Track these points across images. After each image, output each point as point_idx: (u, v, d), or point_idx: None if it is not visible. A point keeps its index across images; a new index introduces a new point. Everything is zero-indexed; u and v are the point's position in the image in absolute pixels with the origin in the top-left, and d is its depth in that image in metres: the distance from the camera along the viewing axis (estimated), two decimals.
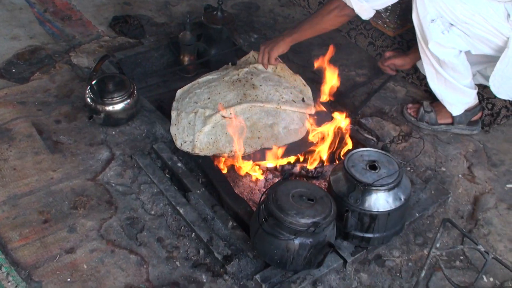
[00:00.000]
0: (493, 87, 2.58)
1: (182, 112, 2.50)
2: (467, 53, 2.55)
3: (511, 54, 2.42)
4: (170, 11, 3.43)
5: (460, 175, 2.59)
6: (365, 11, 2.44)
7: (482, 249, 1.84)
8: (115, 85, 2.54)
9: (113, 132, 2.56)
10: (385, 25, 3.06)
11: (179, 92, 2.64)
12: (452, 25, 2.43)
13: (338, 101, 2.85)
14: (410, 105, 2.86)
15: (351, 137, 2.57)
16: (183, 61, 2.99)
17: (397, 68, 2.87)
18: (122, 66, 2.89)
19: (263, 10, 3.52)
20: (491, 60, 2.60)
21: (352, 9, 2.45)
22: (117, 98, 2.53)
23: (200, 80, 2.66)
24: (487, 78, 2.73)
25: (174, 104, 2.59)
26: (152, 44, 3.08)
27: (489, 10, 2.37)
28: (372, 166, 2.12)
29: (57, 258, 2.05)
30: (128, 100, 2.56)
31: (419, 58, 2.65)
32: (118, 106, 2.54)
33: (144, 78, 2.98)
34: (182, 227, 2.21)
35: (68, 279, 1.99)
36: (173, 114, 2.54)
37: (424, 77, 2.87)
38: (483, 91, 2.80)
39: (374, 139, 2.72)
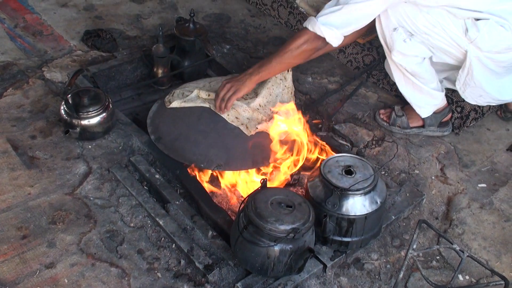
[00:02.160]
0: (461, 92, 2.66)
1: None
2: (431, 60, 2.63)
3: (469, 66, 2.52)
4: (142, 24, 3.44)
5: (433, 177, 2.65)
6: (336, 38, 2.46)
7: (457, 248, 1.89)
8: (90, 99, 2.54)
9: (90, 146, 2.56)
10: None
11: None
12: (412, 35, 2.50)
13: (312, 109, 2.91)
14: (382, 111, 2.91)
15: (326, 143, 2.63)
16: (156, 73, 3.00)
17: None
18: (96, 80, 2.89)
19: (234, 21, 3.55)
20: (454, 68, 2.68)
21: (323, 39, 2.44)
22: (93, 112, 2.53)
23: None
24: (454, 82, 2.81)
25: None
26: (125, 57, 3.09)
27: (449, 23, 2.45)
28: (348, 171, 2.17)
29: (37, 273, 2.04)
30: (104, 114, 2.56)
31: None
32: (94, 120, 2.53)
33: (118, 92, 2.99)
34: (162, 238, 2.22)
35: None
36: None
37: (394, 83, 2.94)
38: (452, 95, 2.87)
39: (349, 144, 2.76)
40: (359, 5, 2.40)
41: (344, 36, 2.48)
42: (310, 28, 2.44)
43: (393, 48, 2.54)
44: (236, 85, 2.51)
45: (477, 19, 2.45)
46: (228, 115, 2.50)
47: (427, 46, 2.54)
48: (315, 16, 2.47)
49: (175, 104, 2.60)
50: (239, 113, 2.52)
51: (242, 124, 2.50)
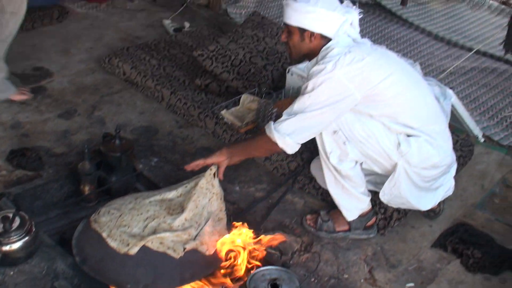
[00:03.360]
0: (384, 200, 2.80)
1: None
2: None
3: (397, 178, 2.67)
4: (69, 140, 3.45)
5: (362, 280, 2.69)
6: (288, 146, 2.55)
7: None
8: (11, 224, 2.49)
9: (12, 273, 2.47)
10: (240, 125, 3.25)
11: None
12: (348, 140, 2.62)
13: (240, 219, 2.93)
14: (308, 216, 2.97)
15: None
16: (83, 190, 2.98)
17: None
18: (21, 201, 2.84)
19: (162, 133, 3.61)
20: (377, 174, 2.81)
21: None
22: (14, 236, 2.47)
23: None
24: (375, 185, 2.93)
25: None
26: (51, 175, 3.07)
27: (383, 136, 2.60)
28: (274, 285, 2.18)
29: None
30: (26, 238, 2.50)
31: None
32: (16, 245, 2.47)
33: (45, 211, 2.94)
34: None
35: None
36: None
37: (320, 187, 3.03)
38: (375, 197, 2.96)
39: (277, 253, 2.78)
40: (310, 114, 2.51)
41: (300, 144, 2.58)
42: (267, 132, 2.56)
43: (331, 150, 2.65)
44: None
45: (409, 136, 2.61)
46: (152, 242, 2.48)
47: (360, 153, 2.65)
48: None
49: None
50: (162, 238, 2.50)
51: (168, 248, 2.48)
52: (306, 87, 2.53)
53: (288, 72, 3.52)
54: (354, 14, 2.66)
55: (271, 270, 2.28)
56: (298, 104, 2.54)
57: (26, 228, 2.52)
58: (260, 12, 5.02)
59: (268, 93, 3.54)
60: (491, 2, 6.14)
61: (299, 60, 2.82)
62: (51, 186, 3.04)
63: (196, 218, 2.62)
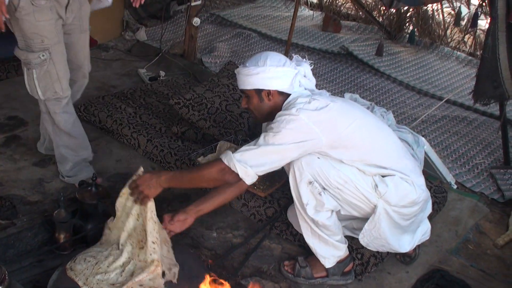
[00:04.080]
0: (363, 243, 2.83)
1: None
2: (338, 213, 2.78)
3: (377, 219, 2.71)
4: (44, 188, 3.42)
5: None
6: (249, 176, 2.57)
7: None
8: None
9: None
10: (255, 187, 3.24)
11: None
12: (325, 188, 2.65)
13: (217, 264, 2.92)
14: (286, 262, 2.97)
15: None
16: (58, 238, 2.94)
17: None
18: None
19: None
20: (354, 218, 2.83)
21: (236, 175, 2.55)
22: None
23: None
24: (352, 230, 2.96)
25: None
26: (25, 223, 3.03)
27: (360, 179, 2.65)
28: None
29: None
30: None
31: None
32: None
33: (18, 260, 2.89)
34: None
35: None
36: None
37: (297, 233, 3.04)
38: (352, 242, 2.99)
39: None
40: (274, 147, 2.54)
41: (258, 176, 2.59)
42: (225, 161, 2.55)
43: (307, 201, 2.67)
44: (145, 185, 2.61)
45: (384, 176, 2.66)
46: None
47: (336, 201, 2.69)
48: None
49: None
50: (141, 281, 2.48)
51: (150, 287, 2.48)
52: (272, 127, 2.59)
53: None
54: (305, 66, 2.81)
55: None
56: (262, 139, 2.58)
57: None
58: (235, 61, 5.13)
59: (244, 140, 3.58)
60: (458, 53, 6.34)
61: (266, 120, 2.88)
62: (25, 235, 2.99)
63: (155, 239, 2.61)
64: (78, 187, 3.12)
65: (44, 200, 3.31)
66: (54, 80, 3.10)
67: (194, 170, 2.73)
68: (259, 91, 2.74)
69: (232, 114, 3.84)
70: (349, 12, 7.41)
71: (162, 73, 5.16)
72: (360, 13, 7.19)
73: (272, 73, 2.70)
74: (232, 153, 2.57)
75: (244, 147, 2.60)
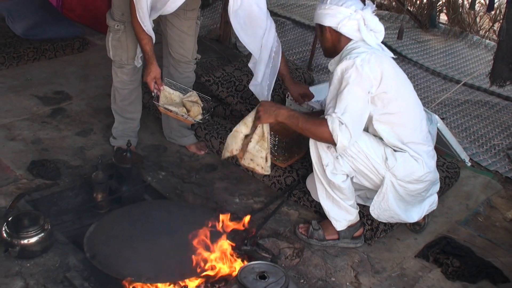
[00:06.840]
0: (373, 214, 3.05)
1: None
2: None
3: (385, 191, 2.93)
4: (84, 154, 3.75)
5: (348, 283, 2.91)
6: (343, 149, 2.79)
7: None
8: (30, 221, 2.77)
9: (28, 264, 2.74)
10: (275, 158, 3.49)
11: None
12: (341, 155, 2.89)
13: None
14: (301, 225, 3.22)
15: (249, 256, 2.89)
16: (96, 198, 3.26)
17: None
18: (39, 205, 3.13)
19: (170, 150, 3.90)
20: (366, 189, 3.07)
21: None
22: (32, 232, 2.75)
23: None
24: (365, 199, 3.19)
25: None
26: (67, 184, 3.37)
27: (371, 151, 2.88)
28: (262, 276, 2.43)
29: None
30: (42, 234, 2.78)
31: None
32: (33, 239, 2.75)
33: (60, 216, 3.21)
34: None
35: None
36: None
37: (313, 200, 3.28)
38: (363, 209, 3.21)
39: (271, 257, 3.02)
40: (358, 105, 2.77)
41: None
42: (334, 130, 2.72)
43: (327, 164, 2.90)
44: (262, 113, 2.97)
45: (395, 151, 2.89)
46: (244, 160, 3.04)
47: (351, 167, 2.92)
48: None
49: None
50: (253, 155, 3.00)
51: (257, 165, 3.03)
52: (341, 83, 2.77)
53: (288, 97, 3.81)
54: (366, 11, 2.88)
55: (260, 264, 2.51)
56: (342, 102, 2.74)
57: (42, 225, 2.80)
58: None
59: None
60: (487, 41, 6.44)
61: (330, 55, 3.06)
62: (67, 194, 3.32)
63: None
64: (115, 153, 3.43)
65: (85, 165, 3.63)
66: (123, 48, 3.53)
67: (310, 121, 2.84)
68: (320, 26, 2.99)
69: None
70: (383, 1, 7.57)
71: (198, 56, 5.43)
72: (394, 3, 7.33)
73: (328, 10, 2.91)
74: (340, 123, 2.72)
75: (337, 113, 2.73)
